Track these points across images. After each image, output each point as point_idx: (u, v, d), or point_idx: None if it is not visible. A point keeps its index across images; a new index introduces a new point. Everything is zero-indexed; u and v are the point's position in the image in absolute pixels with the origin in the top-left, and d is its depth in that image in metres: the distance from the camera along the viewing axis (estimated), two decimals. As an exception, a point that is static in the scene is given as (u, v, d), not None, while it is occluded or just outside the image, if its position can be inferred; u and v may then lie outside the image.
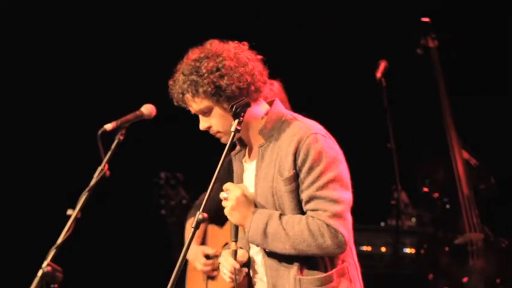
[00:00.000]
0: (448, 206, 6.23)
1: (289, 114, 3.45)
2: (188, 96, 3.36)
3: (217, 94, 3.32)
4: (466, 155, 6.21)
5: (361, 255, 6.39)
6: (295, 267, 3.36)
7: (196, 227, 3.22)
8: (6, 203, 6.72)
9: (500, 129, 6.61)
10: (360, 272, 3.48)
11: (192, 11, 6.83)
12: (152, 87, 5.07)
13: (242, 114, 3.31)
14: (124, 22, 6.84)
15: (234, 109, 3.30)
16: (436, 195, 6.28)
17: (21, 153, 6.79)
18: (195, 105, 3.37)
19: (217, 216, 3.85)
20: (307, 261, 3.37)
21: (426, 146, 6.41)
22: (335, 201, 3.30)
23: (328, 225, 3.28)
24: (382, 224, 6.62)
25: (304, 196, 3.33)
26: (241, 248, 3.50)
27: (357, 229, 6.40)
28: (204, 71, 3.31)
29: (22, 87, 6.83)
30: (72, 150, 6.37)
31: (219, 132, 3.40)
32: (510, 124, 6.61)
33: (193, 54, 3.38)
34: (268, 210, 3.35)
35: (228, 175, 4.89)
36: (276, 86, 4.52)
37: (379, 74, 5.97)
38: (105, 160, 3.40)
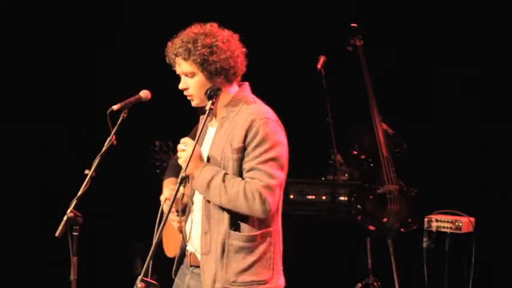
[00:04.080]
0: (372, 165, 6.27)
1: (252, 98, 3.38)
2: (180, 58, 3.28)
3: (203, 65, 3.24)
4: (385, 126, 6.25)
5: (307, 202, 6.55)
6: (227, 222, 3.25)
7: (180, 183, 3.20)
8: (45, 167, 6.65)
9: (411, 107, 6.63)
10: (281, 237, 3.38)
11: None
12: (149, 76, 5.08)
13: (214, 97, 3.29)
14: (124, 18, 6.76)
15: (208, 92, 3.28)
16: (363, 156, 6.32)
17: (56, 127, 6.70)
18: (183, 66, 3.28)
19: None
20: (238, 220, 3.24)
21: (355, 120, 6.43)
22: (270, 176, 3.18)
23: (260, 193, 3.16)
24: (323, 178, 6.63)
25: (246, 166, 3.23)
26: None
27: (304, 182, 6.57)
28: (199, 43, 3.23)
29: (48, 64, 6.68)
30: (87, 125, 6.33)
31: (191, 95, 3.33)
32: (417, 104, 6.63)
33: (196, 28, 3.30)
34: (217, 168, 3.26)
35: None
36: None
37: (319, 66, 6.01)
38: (113, 132, 3.40)
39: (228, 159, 3.25)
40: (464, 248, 5.73)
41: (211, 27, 3.30)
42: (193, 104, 3.37)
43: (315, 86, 5.97)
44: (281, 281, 3.35)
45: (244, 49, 3.35)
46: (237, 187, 3.19)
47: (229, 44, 3.28)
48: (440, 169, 6.45)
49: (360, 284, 6.12)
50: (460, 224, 5.64)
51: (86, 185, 3.31)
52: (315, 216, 6.49)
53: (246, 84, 3.41)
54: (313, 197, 6.55)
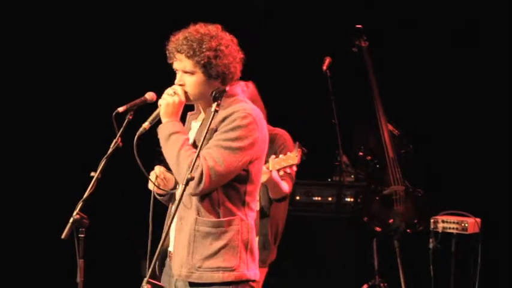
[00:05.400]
0: (377, 166, 6.26)
1: (242, 96, 3.36)
2: (182, 55, 3.26)
3: (205, 67, 3.24)
4: (390, 127, 6.24)
5: (313, 204, 6.53)
6: (195, 210, 3.24)
7: (186, 184, 3.16)
8: (52, 168, 6.64)
9: (417, 107, 6.62)
10: (253, 233, 3.31)
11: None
12: (154, 78, 5.07)
13: (220, 99, 3.24)
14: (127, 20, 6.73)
15: (213, 94, 3.24)
16: (368, 157, 6.32)
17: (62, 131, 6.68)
18: (185, 63, 3.27)
19: None
20: (204, 207, 3.23)
21: (361, 121, 6.42)
22: (221, 162, 3.16)
23: (202, 171, 3.14)
24: (329, 179, 6.62)
25: (208, 144, 3.21)
26: None
27: (310, 184, 6.56)
28: (205, 45, 3.22)
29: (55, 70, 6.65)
30: (94, 128, 6.32)
31: (187, 92, 3.31)
32: (424, 104, 6.62)
33: (201, 28, 3.27)
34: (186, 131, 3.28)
35: None
36: (250, 86, 4.47)
37: (324, 67, 6.00)
38: (118, 134, 3.38)
39: (201, 138, 3.22)
40: (470, 248, 5.72)
41: (216, 29, 3.29)
42: (187, 101, 3.35)
43: (321, 87, 5.96)
44: (250, 272, 3.28)
45: (242, 55, 3.34)
46: (189, 155, 3.19)
47: (231, 49, 3.29)
48: (446, 170, 6.43)
49: (366, 285, 6.11)
50: (466, 225, 5.62)
51: (92, 187, 3.30)
52: (321, 217, 6.49)
53: (240, 84, 3.41)
54: (319, 198, 6.53)
